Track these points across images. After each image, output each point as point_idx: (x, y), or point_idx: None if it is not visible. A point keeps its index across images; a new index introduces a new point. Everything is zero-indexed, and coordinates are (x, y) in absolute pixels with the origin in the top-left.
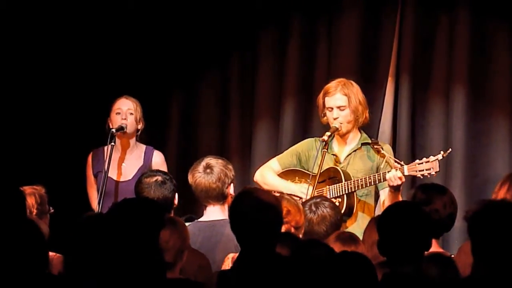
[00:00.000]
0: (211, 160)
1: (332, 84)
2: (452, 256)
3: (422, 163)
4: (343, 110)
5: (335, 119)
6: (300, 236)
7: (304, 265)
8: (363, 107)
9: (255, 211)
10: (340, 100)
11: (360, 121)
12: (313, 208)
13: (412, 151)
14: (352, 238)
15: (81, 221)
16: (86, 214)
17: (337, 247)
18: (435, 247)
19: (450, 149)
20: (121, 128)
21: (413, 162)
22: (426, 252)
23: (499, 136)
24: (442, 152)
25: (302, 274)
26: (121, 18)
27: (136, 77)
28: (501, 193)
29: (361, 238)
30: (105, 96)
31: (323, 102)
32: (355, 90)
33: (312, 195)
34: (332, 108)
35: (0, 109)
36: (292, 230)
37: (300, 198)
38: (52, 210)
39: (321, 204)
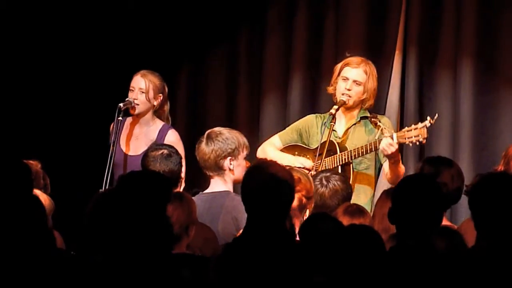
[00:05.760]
0: (213, 131)
1: (356, 59)
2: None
3: (410, 130)
4: (358, 85)
5: (347, 89)
6: (310, 207)
7: (312, 238)
8: (375, 92)
9: (267, 186)
10: (359, 75)
11: (367, 104)
12: (324, 182)
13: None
14: (359, 210)
15: (95, 199)
16: (99, 192)
17: (346, 220)
18: (443, 221)
19: (437, 115)
20: (128, 103)
21: (402, 130)
22: None
23: (507, 108)
24: (429, 118)
25: (310, 248)
26: None
27: (144, 51)
28: (499, 168)
29: None
30: (115, 71)
31: (340, 71)
32: (375, 73)
33: (316, 167)
34: (347, 79)
35: (16, 88)
36: (304, 200)
37: (309, 170)
38: (49, 189)
39: (331, 178)
